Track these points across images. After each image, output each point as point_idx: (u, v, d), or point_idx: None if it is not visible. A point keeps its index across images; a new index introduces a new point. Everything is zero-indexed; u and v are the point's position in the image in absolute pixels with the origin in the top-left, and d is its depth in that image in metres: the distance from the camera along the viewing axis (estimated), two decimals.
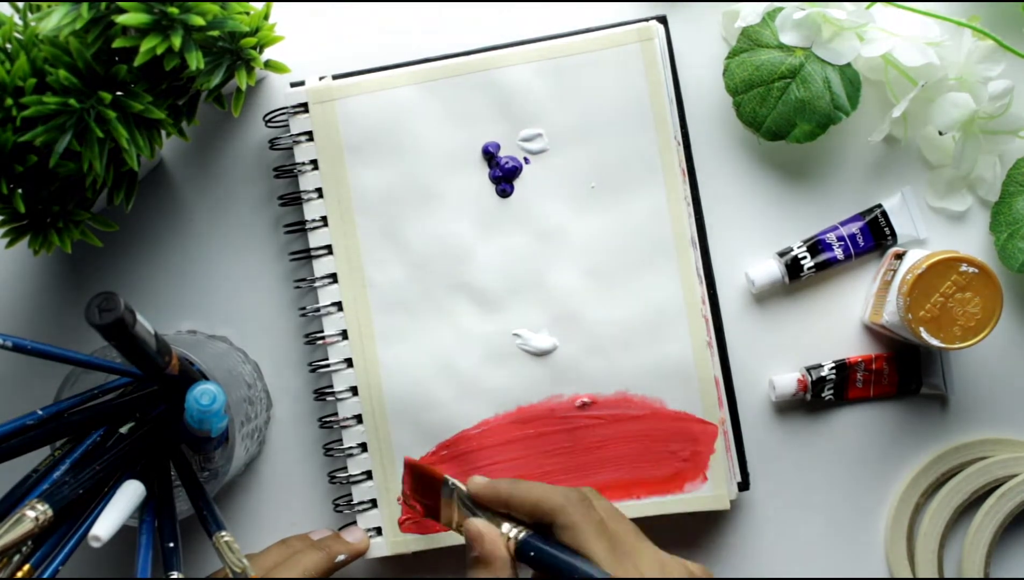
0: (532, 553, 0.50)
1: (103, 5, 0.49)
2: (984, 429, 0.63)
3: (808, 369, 0.62)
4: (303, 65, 0.62)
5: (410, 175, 0.60)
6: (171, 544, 0.50)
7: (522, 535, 0.51)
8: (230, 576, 0.49)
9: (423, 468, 0.54)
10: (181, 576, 0.49)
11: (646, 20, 0.60)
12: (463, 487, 0.53)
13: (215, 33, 0.51)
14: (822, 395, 0.62)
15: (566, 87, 0.60)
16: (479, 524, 0.51)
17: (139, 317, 0.47)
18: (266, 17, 0.55)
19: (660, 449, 0.60)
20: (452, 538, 0.60)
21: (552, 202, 0.60)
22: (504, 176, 0.60)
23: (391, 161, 0.60)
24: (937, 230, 0.63)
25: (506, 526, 0.51)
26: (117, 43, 0.49)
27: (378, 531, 0.61)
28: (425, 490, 0.54)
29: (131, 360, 0.49)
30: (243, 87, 0.54)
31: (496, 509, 0.52)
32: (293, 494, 0.63)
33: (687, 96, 0.62)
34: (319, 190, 0.61)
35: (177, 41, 0.49)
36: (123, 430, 0.55)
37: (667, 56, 0.61)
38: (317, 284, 0.61)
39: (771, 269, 0.62)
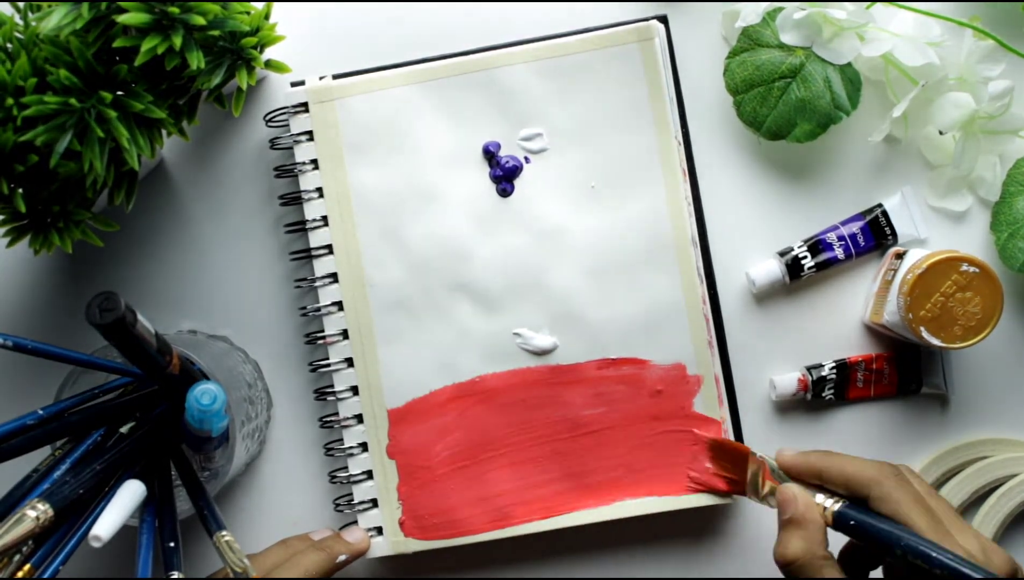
0: (852, 522, 0.51)
1: (103, 5, 0.49)
2: (984, 429, 0.63)
3: (808, 369, 0.62)
4: (303, 65, 0.62)
5: (410, 174, 0.60)
6: (171, 544, 0.50)
7: (838, 505, 0.51)
8: (231, 576, 0.49)
9: (728, 444, 0.58)
10: (181, 576, 0.49)
11: (646, 20, 0.60)
12: (771, 460, 0.55)
13: (216, 33, 0.51)
14: (822, 395, 0.62)
15: (566, 87, 0.60)
16: (794, 488, 0.53)
17: (139, 317, 0.47)
18: (266, 17, 0.55)
19: (665, 452, 0.60)
20: (453, 539, 0.60)
21: (552, 201, 0.60)
22: (504, 175, 0.60)
23: (391, 161, 0.60)
24: (937, 230, 0.63)
25: (820, 496, 0.52)
26: (118, 43, 0.49)
27: (379, 531, 0.61)
28: (730, 465, 0.58)
29: (131, 360, 0.49)
30: (243, 87, 0.54)
31: (808, 480, 0.54)
32: (293, 494, 0.63)
33: (687, 96, 0.62)
34: (319, 190, 0.61)
35: (178, 41, 0.49)
36: (123, 430, 0.55)
37: (667, 56, 0.61)
38: (317, 284, 0.61)
39: (771, 269, 0.62)
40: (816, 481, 0.54)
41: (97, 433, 0.53)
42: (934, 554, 0.47)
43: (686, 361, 0.60)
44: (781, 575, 0.63)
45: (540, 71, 0.60)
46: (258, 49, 0.55)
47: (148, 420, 0.55)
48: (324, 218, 0.61)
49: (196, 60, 0.50)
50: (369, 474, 0.61)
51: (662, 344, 0.60)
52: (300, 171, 0.61)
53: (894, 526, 0.50)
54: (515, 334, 0.60)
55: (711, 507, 0.61)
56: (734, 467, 0.58)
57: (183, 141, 0.62)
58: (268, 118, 0.61)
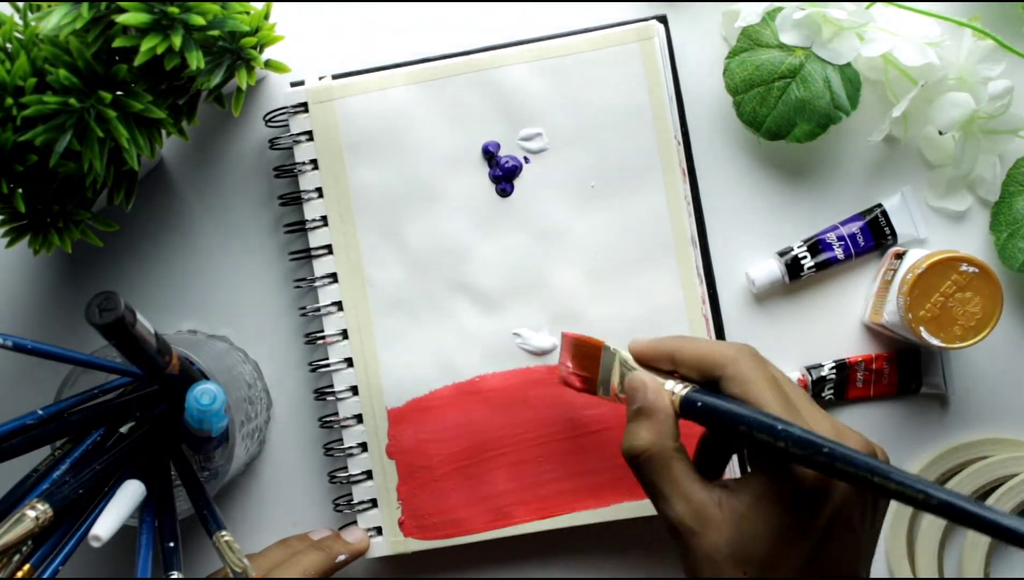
0: (699, 404, 0.47)
1: (103, 5, 0.49)
2: (984, 429, 0.63)
3: (808, 369, 0.62)
4: (303, 65, 0.62)
5: (410, 175, 0.60)
6: (171, 544, 0.50)
7: (686, 390, 0.49)
8: (230, 576, 0.49)
9: (582, 338, 0.54)
10: (181, 576, 0.49)
11: (646, 20, 0.60)
12: (625, 352, 0.52)
13: (215, 33, 0.51)
14: (822, 395, 0.62)
15: (566, 87, 0.60)
16: (643, 375, 0.50)
17: (139, 317, 0.47)
18: (266, 17, 0.55)
19: None
20: (453, 539, 0.60)
21: (552, 201, 0.60)
22: (504, 175, 0.60)
23: (391, 161, 0.60)
24: (937, 230, 0.63)
25: (670, 383, 0.50)
26: (117, 43, 0.49)
27: (378, 531, 0.61)
28: (584, 361, 0.54)
29: (131, 360, 0.49)
30: (243, 87, 0.54)
31: (661, 366, 0.51)
32: (293, 494, 0.63)
33: (687, 96, 0.62)
34: (319, 190, 0.61)
35: (177, 41, 0.49)
36: (123, 430, 0.55)
37: (667, 56, 0.61)
38: (317, 284, 0.61)
39: (771, 269, 0.62)
40: (669, 366, 0.51)
41: (97, 433, 0.53)
42: (779, 426, 0.44)
43: None
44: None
45: (540, 71, 0.60)
46: (258, 49, 0.55)
47: (148, 420, 0.55)
48: (324, 218, 0.61)
49: (196, 60, 0.50)
50: (369, 474, 0.61)
51: None
52: (300, 171, 0.61)
53: (741, 405, 0.47)
54: (515, 334, 0.60)
55: None
56: (589, 363, 0.54)
57: (183, 141, 0.62)
58: (268, 118, 0.61)
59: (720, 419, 0.47)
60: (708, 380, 0.49)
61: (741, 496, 0.46)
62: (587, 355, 0.54)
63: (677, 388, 0.49)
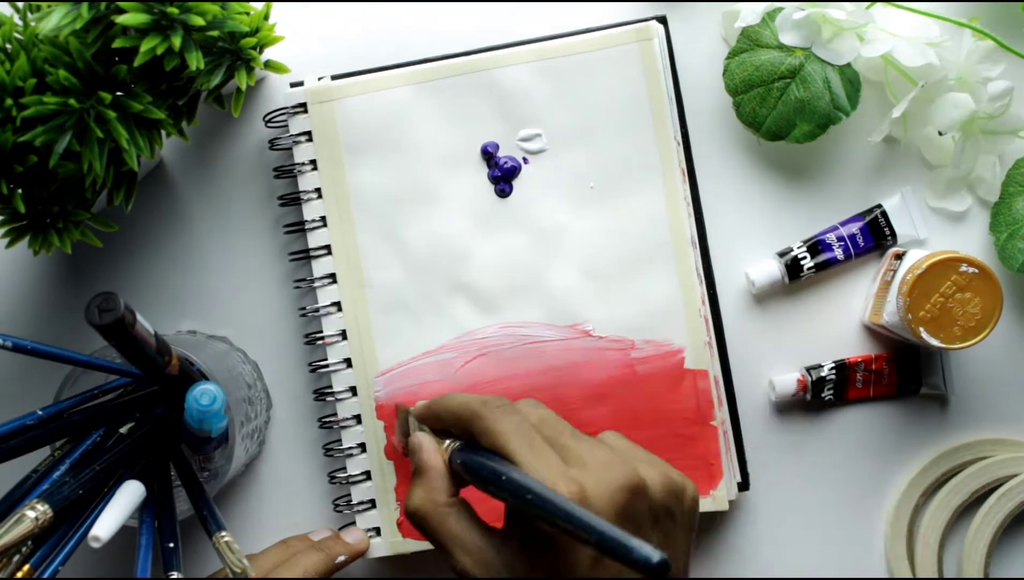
0: (459, 461, 0.49)
1: (103, 5, 0.49)
2: (984, 429, 0.63)
3: (808, 369, 0.62)
4: (303, 65, 0.62)
5: (409, 175, 0.60)
6: (171, 544, 0.50)
7: (451, 449, 0.50)
8: (230, 576, 0.49)
9: (401, 407, 0.55)
10: (181, 576, 0.49)
11: (646, 20, 0.60)
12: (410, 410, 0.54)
13: (215, 33, 0.51)
14: (822, 395, 0.62)
15: (565, 87, 0.60)
16: (420, 436, 0.51)
17: (139, 317, 0.47)
18: (266, 17, 0.55)
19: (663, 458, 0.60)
20: None
21: (551, 202, 0.60)
22: (503, 176, 0.60)
23: (390, 161, 0.60)
24: (937, 230, 0.63)
25: (447, 442, 0.51)
26: (117, 43, 0.49)
27: (377, 531, 0.61)
28: (400, 426, 0.55)
29: (131, 360, 0.49)
30: (243, 87, 0.54)
31: (434, 426, 0.52)
32: (293, 494, 0.63)
33: (687, 96, 0.62)
34: (318, 190, 0.61)
35: (177, 41, 0.49)
36: (123, 430, 0.55)
37: (667, 56, 0.61)
38: (316, 284, 0.61)
39: (771, 269, 0.62)
40: (437, 426, 0.52)
41: (97, 433, 0.54)
42: (503, 476, 0.45)
43: (685, 362, 0.60)
44: (782, 576, 0.63)
45: (539, 71, 0.60)
46: (257, 49, 0.55)
47: (148, 420, 0.55)
48: (323, 218, 0.61)
49: (195, 61, 0.50)
50: (368, 475, 0.61)
51: None
52: (299, 172, 0.61)
53: (492, 458, 0.47)
54: None
55: (709, 512, 0.61)
56: (402, 427, 0.55)
57: (183, 141, 0.62)
58: (267, 119, 0.61)
59: (469, 473, 0.48)
60: (470, 437, 0.50)
61: (511, 542, 0.47)
62: (403, 419, 0.55)
63: (447, 444, 0.50)
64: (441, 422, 0.51)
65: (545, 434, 0.48)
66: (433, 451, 0.50)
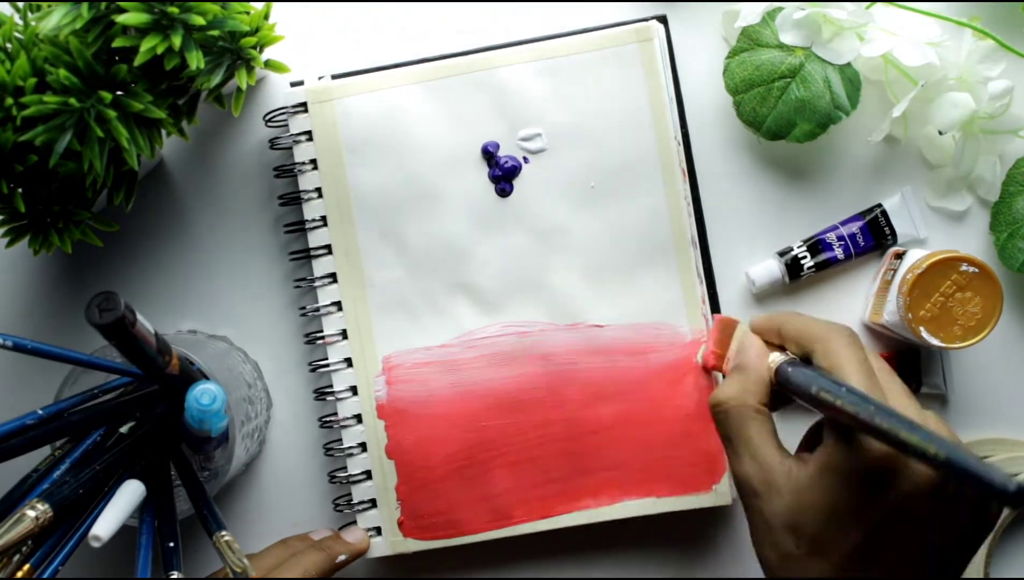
0: (792, 372, 0.48)
1: (103, 5, 0.49)
2: (984, 429, 0.63)
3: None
4: (303, 65, 0.62)
5: (409, 175, 0.60)
6: (171, 544, 0.50)
7: (783, 360, 0.50)
8: (230, 576, 0.49)
9: (727, 319, 0.56)
10: (181, 576, 0.49)
11: (645, 20, 0.60)
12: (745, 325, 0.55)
13: (215, 33, 0.51)
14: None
15: (565, 87, 0.60)
16: (753, 338, 0.52)
17: (139, 317, 0.47)
18: (266, 17, 0.55)
19: (665, 454, 0.60)
20: (452, 539, 0.60)
21: (551, 201, 0.60)
22: (503, 175, 0.60)
23: (390, 161, 0.60)
24: (937, 230, 0.63)
25: (776, 354, 0.51)
26: (117, 43, 0.49)
27: (378, 531, 0.61)
28: (723, 339, 0.56)
29: (131, 360, 0.49)
30: (243, 87, 0.54)
31: (772, 340, 0.52)
32: (293, 494, 0.63)
33: (687, 96, 0.62)
34: (318, 190, 0.61)
35: (177, 41, 0.49)
36: (123, 430, 0.55)
37: (667, 56, 0.61)
38: (317, 284, 0.61)
39: (771, 269, 0.62)
40: (777, 339, 0.52)
41: (97, 433, 0.53)
42: (843, 387, 0.44)
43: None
44: None
45: (539, 71, 0.60)
46: (258, 49, 0.55)
47: (148, 420, 0.55)
48: (323, 218, 0.61)
49: (196, 60, 0.50)
50: (368, 474, 0.61)
51: None
52: (299, 171, 0.61)
53: (821, 374, 0.47)
54: None
55: (711, 508, 0.61)
56: (726, 339, 0.56)
57: (183, 141, 0.62)
58: (267, 118, 0.61)
59: (799, 386, 0.47)
60: (806, 355, 0.50)
61: (807, 466, 0.46)
62: (725, 333, 0.56)
63: (779, 359, 0.50)
64: (780, 336, 0.51)
65: (883, 380, 0.48)
66: (762, 354, 0.50)
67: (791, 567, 0.45)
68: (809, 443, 0.52)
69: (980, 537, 0.45)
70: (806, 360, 0.50)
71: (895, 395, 0.47)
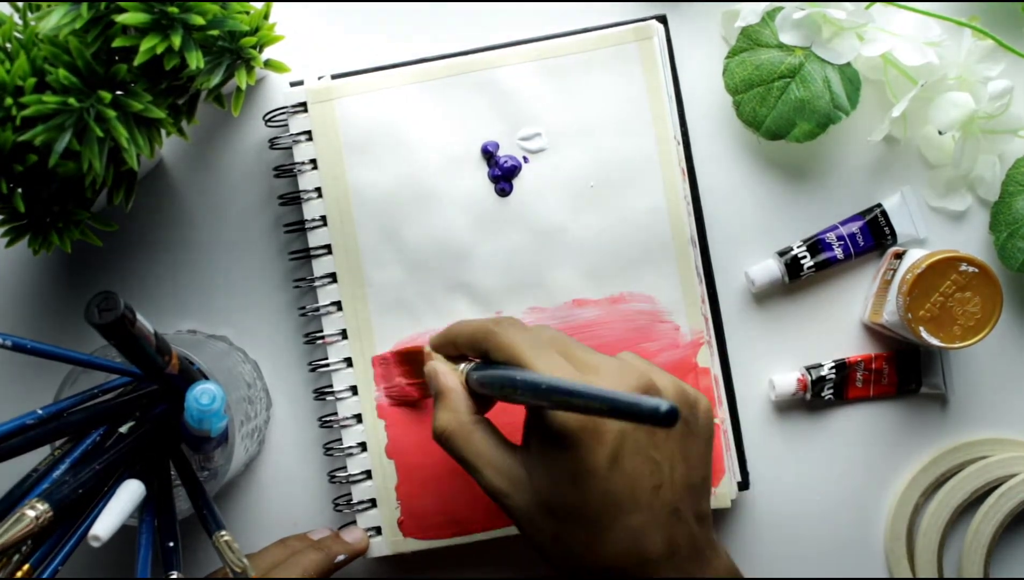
0: (475, 377, 0.51)
1: (103, 5, 0.49)
2: (984, 429, 0.63)
3: (808, 368, 0.62)
4: (303, 65, 0.62)
5: (409, 174, 0.60)
6: (171, 544, 0.50)
7: (467, 368, 0.52)
8: (230, 576, 0.49)
9: (409, 348, 0.58)
10: (181, 576, 0.49)
11: (645, 20, 0.60)
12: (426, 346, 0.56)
13: (215, 32, 0.51)
14: (822, 395, 0.62)
15: (565, 86, 0.60)
16: (435, 363, 0.53)
17: (139, 316, 0.47)
18: (266, 17, 0.55)
19: None
20: (452, 539, 0.60)
21: (551, 201, 0.60)
22: (503, 175, 0.60)
23: (390, 160, 0.60)
24: (937, 230, 0.63)
25: (463, 365, 0.53)
26: (117, 42, 0.49)
27: (378, 531, 0.61)
28: (415, 368, 0.58)
29: (131, 360, 0.49)
30: (243, 86, 0.54)
31: (451, 353, 0.54)
32: (293, 494, 0.63)
33: (687, 95, 0.62)
34: (318, 189, 0.61)
35: (177, 40, 0.49)
36: (123, 430, 0.55)
37: (667, 55, 0.61)
38: (316, 284, 0.61)
39: (771, 269, 0.62)
40: (455, 352, 0.54)
41: (96, 433, 0.53)
42: (518, 376, 0.47)
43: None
44: (782, 576, 0.63)
45: (539, 71, 0.60)
46: (257, 49, 0.55)
47: (147, 420, 0.55)
48: (323, 218, 0.61)
49: (195, 60, 0.50)
50: (368, 474, 0.61)
51: None
52: (299, 171, 0.61)
53: (504, 368, 0.49)
54: None
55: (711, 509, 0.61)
56: (420, 369, 0.57)
57: (183, 141, 0.62)
58: (267, 118, 0.61)
59: (486, 388, 0.50)
60: (485, 356, 0.52)
61: (531, 453, 0.49)
62: (414, 363, 0.57)
63: (463, 367, 0.52)
64: (457, 347, 0.53)
65: (558, 348, 0.50)
66: (450, 373, 0.52)
67: (563, 542, 0.48)
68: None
69: (706, 448, 0.50)
70: (489, 361, 0.51)
71: (576, 354, 0.49)
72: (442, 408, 0.51)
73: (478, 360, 0.53)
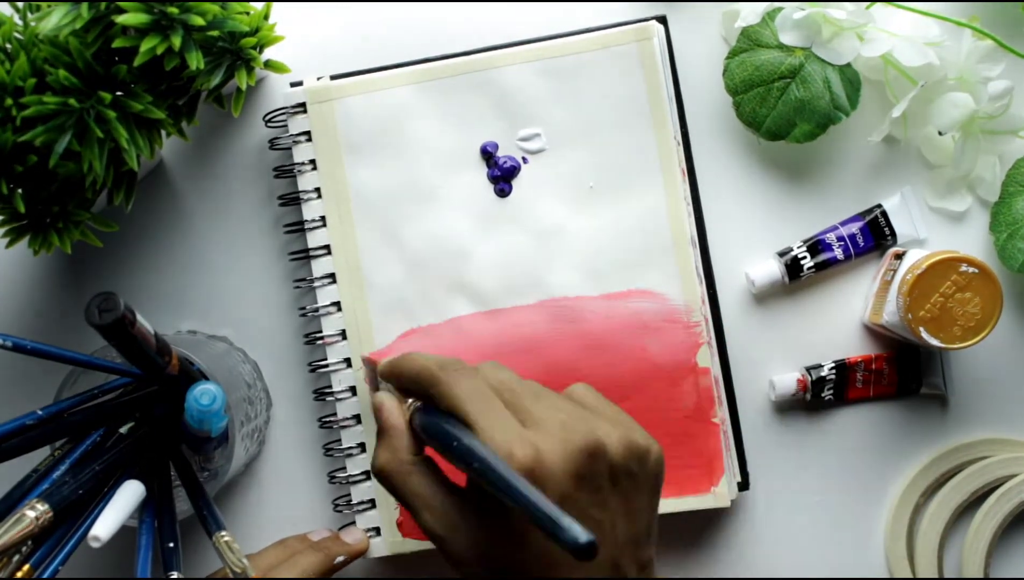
0: (419, 422, 0.49)
1: (103, 5, 0.49)
2: (984, 429, 0.63)
3: (808, 369, 0.62)
4: (303, 65, 0.62)
5: (408, 175, 0.60)
6: (171, 544, 0.50)
7: (412, 409, 0.50)
8: (230, 576, 0.49)
9: (373, 358, 0.55)
10: (181, 576, 0.49)
11: (645, 20, 0.60)
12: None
13: (215, 33, 0.51)
14: (822, 395, 0.62)
15: (565, 87, 0.60)
16: (382, 395, 0.51)
17: (139, 317, 0.47)
18: (266, 17, 0.55)
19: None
20: None
21: (550, 202, 0.60)
22: (502, 176, 0.60)
23: (389, 161, 0.60)
24: (937, 230, 0.63)
25: (410, 401, 0.51)
26: (117, 43, 0.49)
27: (377, 531, 0.61)
28: (372, 383, 0.55)
29: (131, 360, 0.49)
30: (243, 87, 0.54)
31: (397, 386, 0.52)
32: (293, 494, 0.63)
33: (687, 96, 0.62)
34: (318, 190, 0.61)
35: (177, 41, 0.49)
36: (123, 430, 0.55)
37: (667, 56, 0.61)
38: (316, 284, 0.61)
39: (771, 269, 0.62)
40: (399, 386, 0.51)
41: (96, 433, 0.53)
42: (454, 442, 0.45)
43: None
44: (781, 576, 0.63)
45: (538, 71, 0.60)
46: (257, 49, 0.55)
47: (147, 420, 0.55)
48: (323, 218, 0.61)
49: (195, 60, 0.50)
50: (368, 474, 0.61)
51: None
52: (299, 171, 0.61)
53: (448, 421, 0.46)
54: None
55: (710, 510, 0.61)
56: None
57: (183, 141, 0.62)
58: (267, 118, 0.61)
59: (427, 435, 0.48)
60: (428, 399, 0.49)
61: (471, 502, 0.47)
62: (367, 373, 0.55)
63: (412, 406, 0.50)
64: (400, 383, 0.51)
65: (505, 397, 0.48)
66: (394, 411, 0.50)
67: None
68: None
69: (651, 497, 0.48)
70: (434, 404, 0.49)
71: (522, 404, 0.47)
72: (383, 447, 0.49)
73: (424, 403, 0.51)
